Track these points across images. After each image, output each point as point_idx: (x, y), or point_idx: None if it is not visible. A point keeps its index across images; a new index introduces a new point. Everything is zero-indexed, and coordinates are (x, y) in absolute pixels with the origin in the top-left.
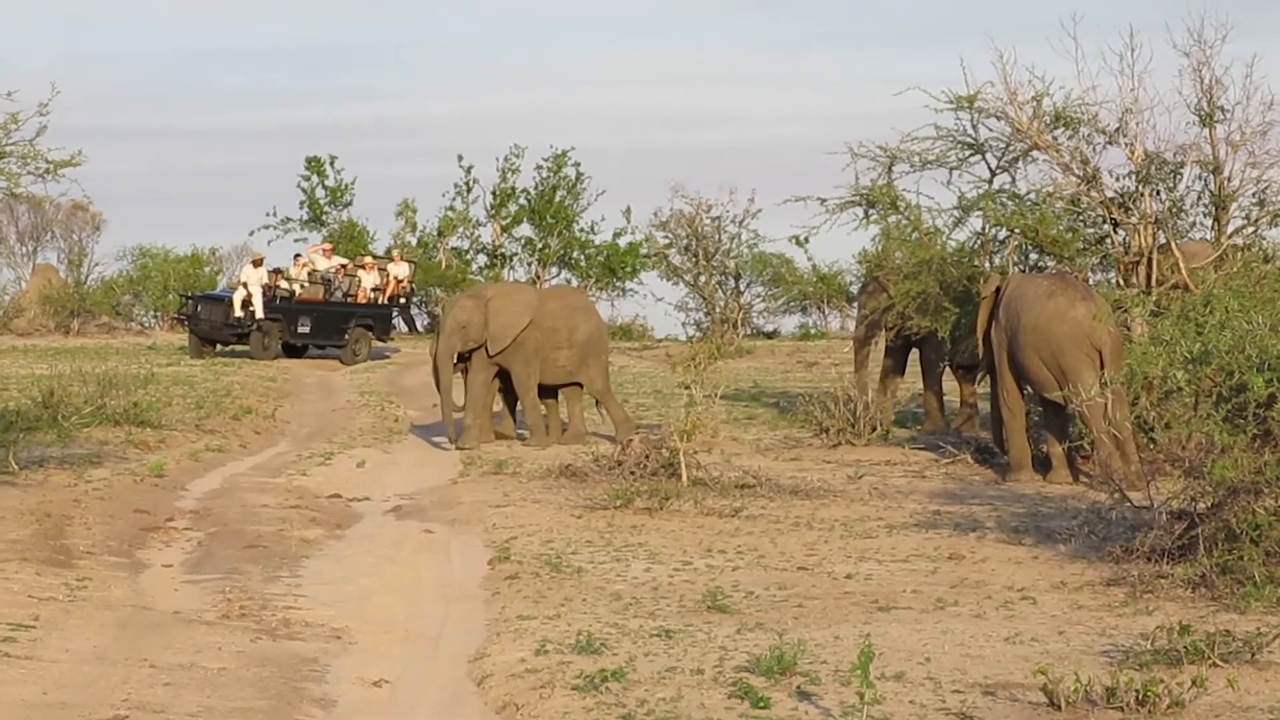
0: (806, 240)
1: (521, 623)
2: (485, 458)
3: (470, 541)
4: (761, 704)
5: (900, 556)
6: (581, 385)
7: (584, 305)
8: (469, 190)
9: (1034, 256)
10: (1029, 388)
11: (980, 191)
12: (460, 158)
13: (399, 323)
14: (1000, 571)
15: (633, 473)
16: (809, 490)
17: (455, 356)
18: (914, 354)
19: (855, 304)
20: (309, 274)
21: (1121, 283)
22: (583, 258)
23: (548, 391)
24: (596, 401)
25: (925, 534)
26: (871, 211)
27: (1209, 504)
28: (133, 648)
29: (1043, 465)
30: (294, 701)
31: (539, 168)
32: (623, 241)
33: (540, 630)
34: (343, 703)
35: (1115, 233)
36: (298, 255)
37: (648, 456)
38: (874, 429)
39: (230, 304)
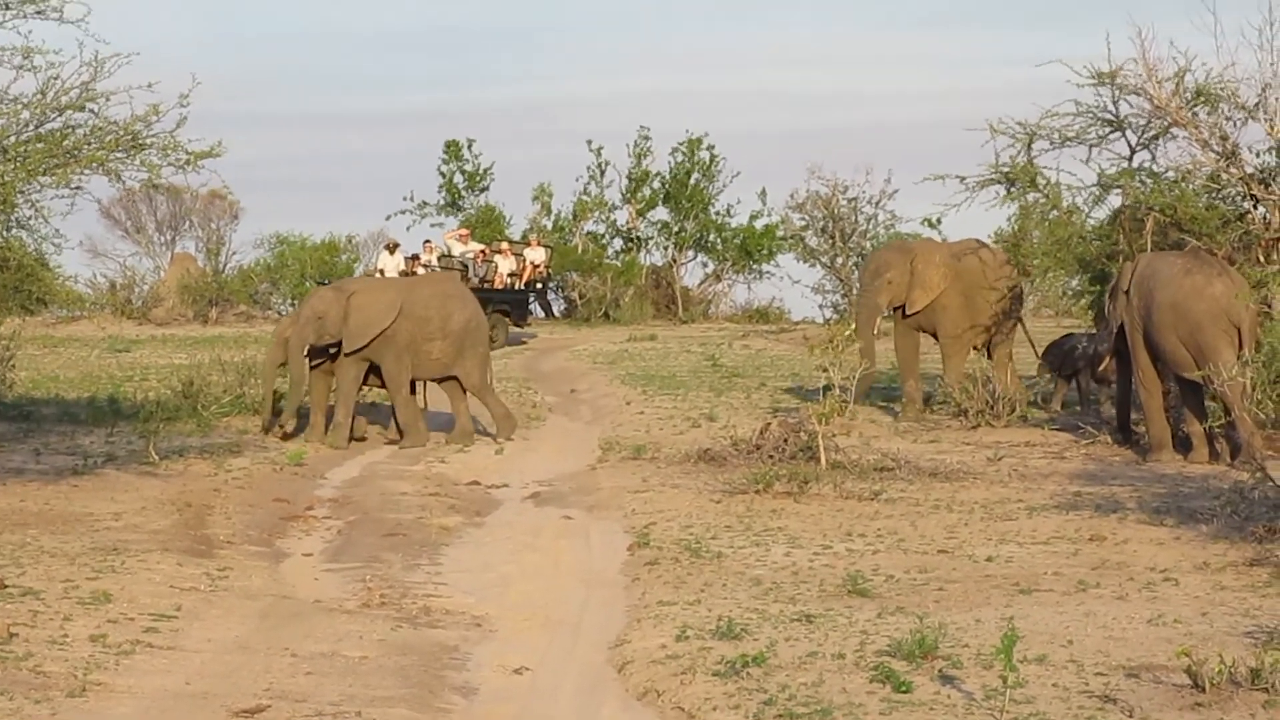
0: (939, 221)
1: (662, 608)
2: (624, 442)
3: (609, 527)
4: (903, 688)
5: (1041, 538)
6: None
7: (458, 293)
8: (602, 174)
9: (1173, 234)
10: (1164, 367)
11: (1120, 169)
12: (589, 142)
13: (535, 308)
14: (1142, 553)
15: (771, 456)
16: (948, 472)
17: (306, 349)
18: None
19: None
20: (439, 258)
21: (1262, 260)
22: (719, 241)
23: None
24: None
25: (1066, 515)
26: (1011, 189)
27: None
28: (274, 637)
29: (1183, 445)
30: (435, 689)
31: (674, 152)
32: (759, 224)
33: (680, 616)
34: (484, 690)
35: (1255, 209)
36: (427, 241)
37: (786, 440)
38: (1013, 410)
39: None
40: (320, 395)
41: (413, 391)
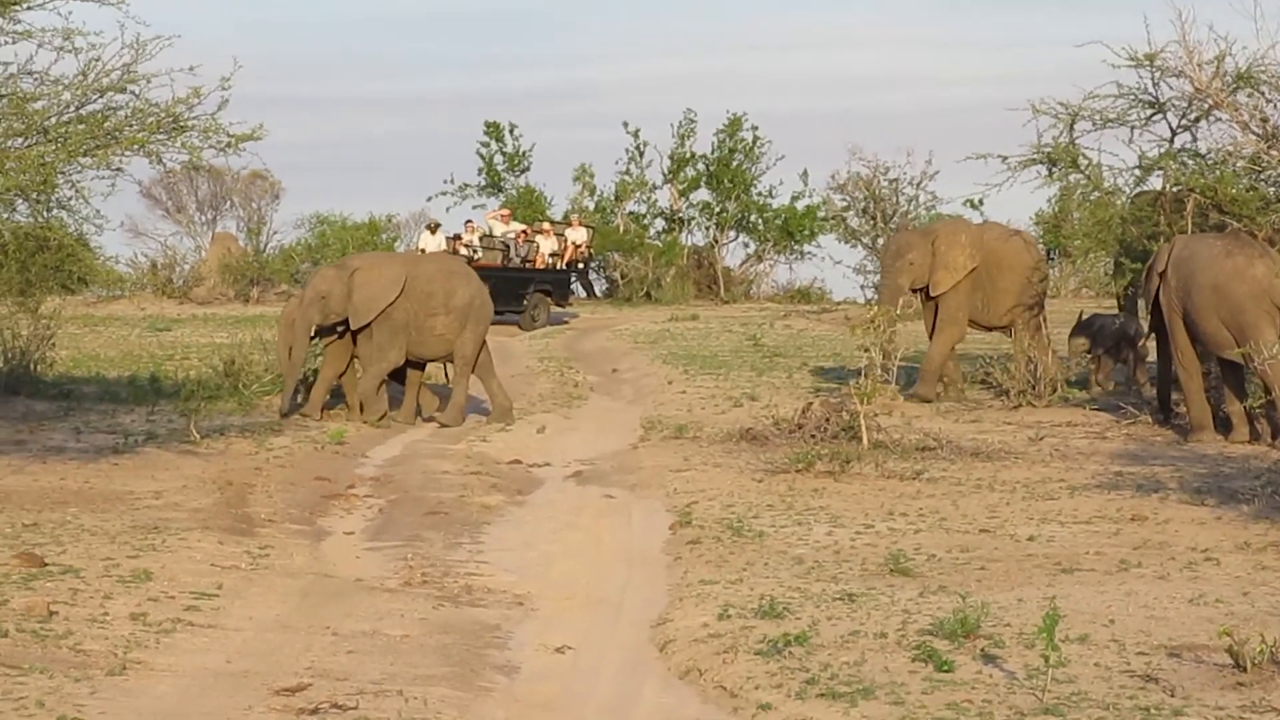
0: (981, 202)
1: (703, 587)
2: (665, 422)
3: (651, 506)
4: (945, 667)
5: (1082, 518)
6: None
7: (462, 271)
8: (641, 155)
9: (1213, 216)
10: (1203, 348)
11: (1161, 151)
12: (625, 124)
13: (577, 288)
14: (1183, 532)
15: (813, 436)
16: (990, 452)
17: (313, 330)
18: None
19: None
20: (481, 238)
21: None
22: (760, 221)
23: (421, 365)
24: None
25: (1107, 495)
26: (1053, 170)
27: None
28: (315, 615)
29: (1224, 425)
30: (477, 668)
31: (718, 133)
32: (800, 205)
33: (722, 595)
34: (525, 669)
35: None
36: (468, 221)
37: (828, 420)
38: (1054, 390)
39: None
40: (351, 375)
41: (420, 368)
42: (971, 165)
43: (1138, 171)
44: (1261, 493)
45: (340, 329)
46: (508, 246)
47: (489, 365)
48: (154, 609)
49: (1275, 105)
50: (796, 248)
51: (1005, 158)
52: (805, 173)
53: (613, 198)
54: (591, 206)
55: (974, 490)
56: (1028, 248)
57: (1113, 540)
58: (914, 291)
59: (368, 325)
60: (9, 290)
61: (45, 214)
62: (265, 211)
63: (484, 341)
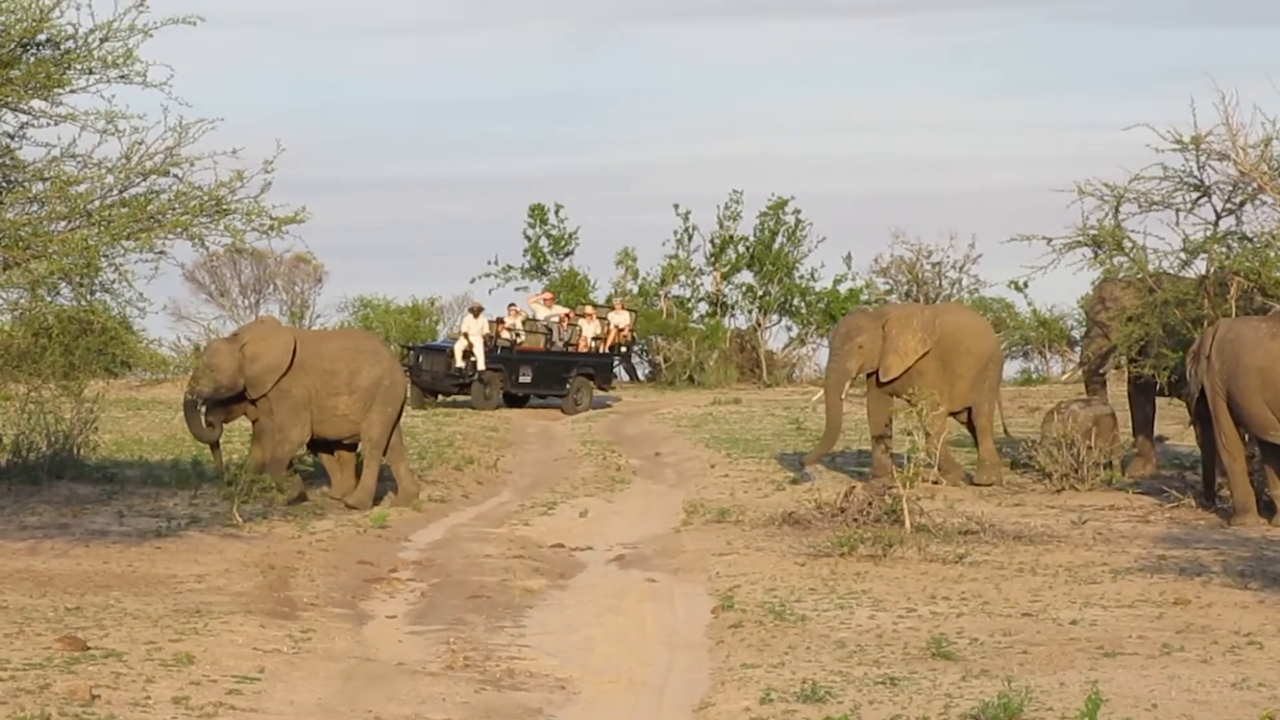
0: (1026, 285)
1: (746, 671)
2: (708, 505)
3: (694, 590)
4: None
5: (1125, 602)
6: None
7: (371, 349)
8: (689, 238)
9: (1258, 299)
10: (1247, 431)
11: (1206, 234)
12: (676, 206)
13: (620, 371)
14: (1226, 616)
15: (856, 520)
16: (1033, 536)
17: (202, 403)
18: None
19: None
20: (524, 322)
21: None
22: (803, 305)
23: (328, 446)
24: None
25: (1150, 579)
26: (1098, 252)
27: None
28: (357, 699)
29: (1267, 509)
30: None
31: (762, 215)
32: (843, 288)
33: (765, 679)
34: None
35: None
36: (512, 304)
37: (870, 503)
38: (1098, 473)
39: (451, 354)
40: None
41: (330, 451)
42: (1015, 247)
43: (1183, 254)
44: None
45: (231, 404)
46: (551, 330)
47: (400, 448)
48: (196, 693)
49: None
50: None
51: (1050, 240)
52: (849, 255)
53: (656, 281)
54: (634, 290)
55: (1016, 574)
56: (980, 330)
57: (1156, 624)
58: (869, 376)
59: (266, 396)
60: (53, 374)
61: (89, 297)
62: (308, 295)
63: (396, 423)
